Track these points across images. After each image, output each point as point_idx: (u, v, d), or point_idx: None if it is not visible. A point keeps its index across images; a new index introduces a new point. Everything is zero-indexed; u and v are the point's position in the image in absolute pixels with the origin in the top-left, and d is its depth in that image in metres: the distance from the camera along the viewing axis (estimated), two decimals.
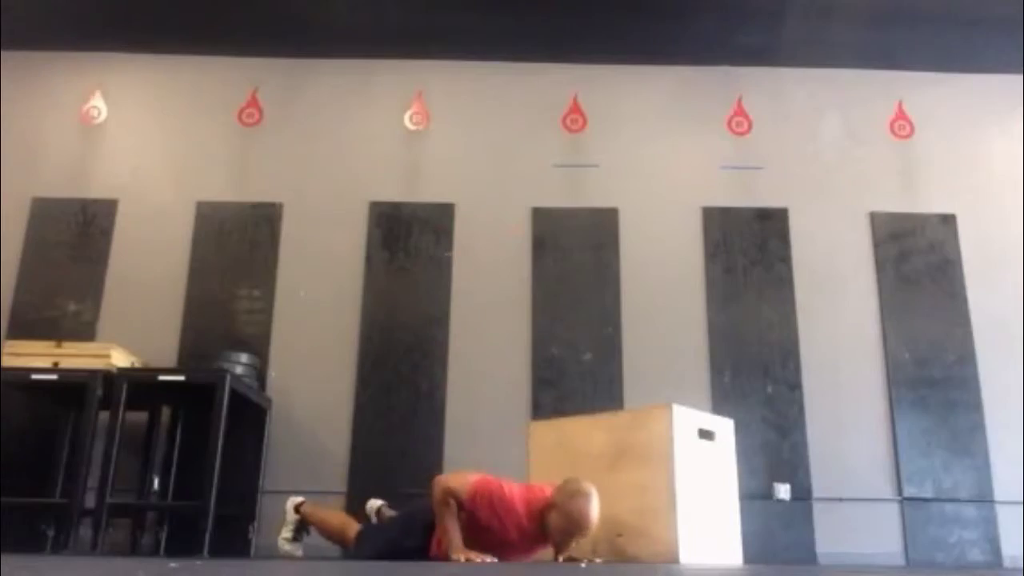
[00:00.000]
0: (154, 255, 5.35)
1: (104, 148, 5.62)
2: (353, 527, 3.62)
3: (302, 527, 3.76)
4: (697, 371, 5.21)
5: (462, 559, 2.98)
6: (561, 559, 3.18)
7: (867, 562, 4.79)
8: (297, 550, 3.74)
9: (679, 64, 5.81)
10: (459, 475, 3.24)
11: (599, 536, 3.47)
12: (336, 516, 3.82)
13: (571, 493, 3.10)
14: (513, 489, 3.19)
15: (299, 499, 3.82)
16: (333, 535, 3.71)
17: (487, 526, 3.12)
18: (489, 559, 3.01)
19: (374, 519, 3.80)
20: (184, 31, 5.55)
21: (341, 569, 2.59)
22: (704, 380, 5.19)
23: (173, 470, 4.88)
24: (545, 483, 3.29)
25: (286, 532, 3.73)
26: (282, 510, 3.85)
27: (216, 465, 4.15)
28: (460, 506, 3.12)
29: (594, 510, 3.08)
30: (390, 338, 5.24)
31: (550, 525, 3.12)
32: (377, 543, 3.42)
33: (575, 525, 3.08)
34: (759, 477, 4.96)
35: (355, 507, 4.91)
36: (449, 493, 3.13)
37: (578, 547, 3.20)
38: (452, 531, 3.08)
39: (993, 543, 4.92)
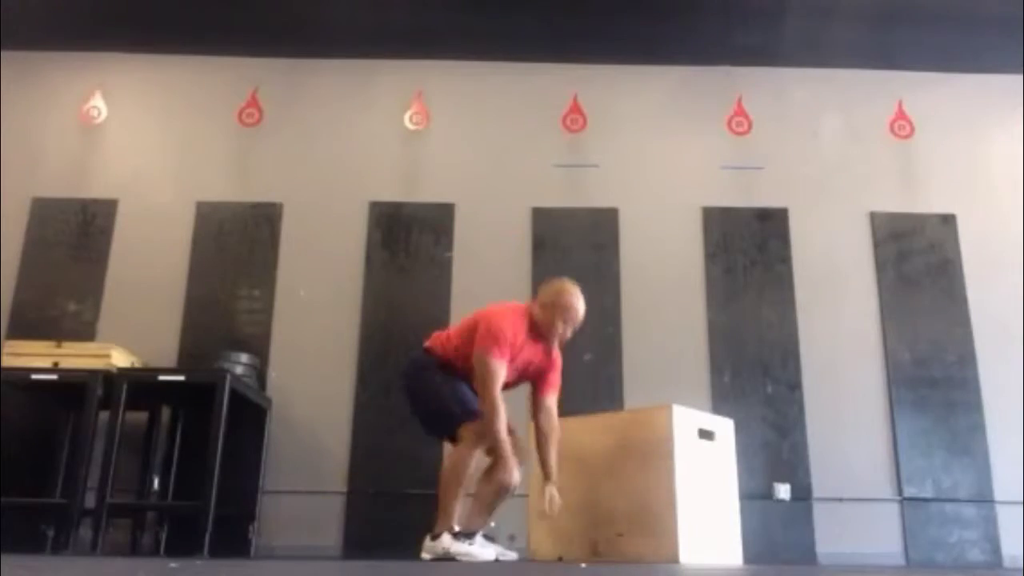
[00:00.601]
0: (154, 255, 5.35)
1: (104, 148, 5.62)
2: (458, 455, 3.27)
3: (471, 534, 3.27)
4: (697, 371, 5.21)
5: (517, 481, 3.19)
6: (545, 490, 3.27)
7: (867, 562, 4.79)
8: (502, 551, 3.35)
9: (679, 64, 5.81)
10: (489, 374, 3.20)
11: (599, 536, 3.48)
12: (450, 487, 3.26)
13: (558, 290, 3.37)
14: (506, 315, 3.31)
15: (441, 530, 3.24)
16: (470, 481, 3.31)
17: (516, 362, 3.29)
18: (515, 469, 3.19)
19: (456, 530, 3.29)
20: (184, 31, 5.55)
21: (341, 569, 2.59)
22: (704, 380, 5.19)
23: (173, 470, 4.88)
24: (505, 302, 3.48)
25: (470, 544, 3.23)
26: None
27: (216, 465, 4.15)
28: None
29: (581, 299, 3.36)
30: (390, 338, 5.24)
31: (543, 322, 3.34)
32: (450, 402, 3.32)
33: (567, 313, 3.33)
34: (759, 477, 4.96)
35: (355, 507, 4.93)
36: (496, 397, 3.18)
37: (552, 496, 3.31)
38: (503, 436, 3.17)
39: (993, 543, 4.92)
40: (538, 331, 3.36)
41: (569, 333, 3.39)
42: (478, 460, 3.29)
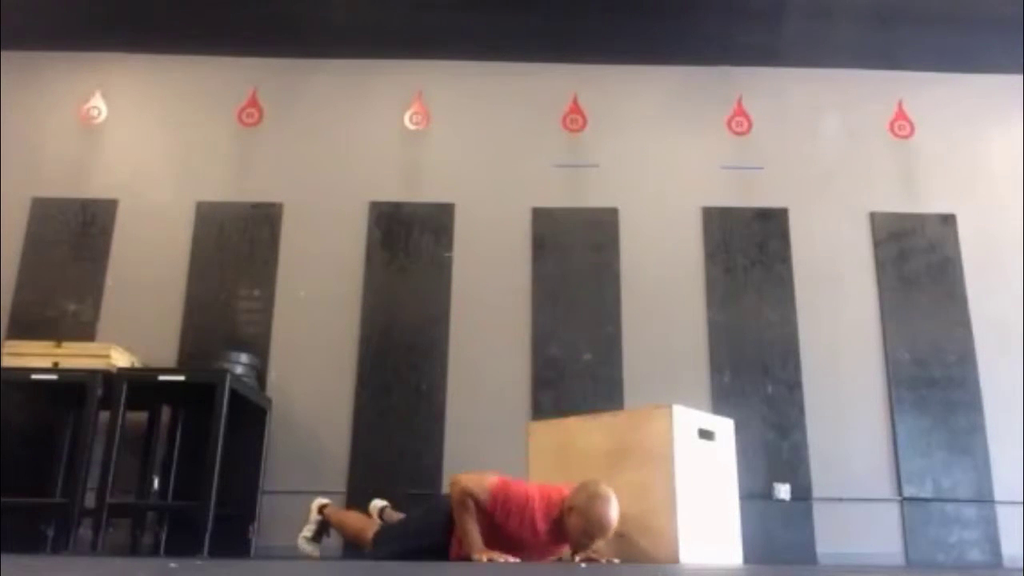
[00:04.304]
0: (154, 255, 5.35)
1: (104, 148, 5.62)
2: (372, 528, 3.63)
3: (323, 528, 3.80)
4: (697, 371, 5.21)
5: (484, 559, 2.98)
6: (579, 559, 3.17)
7: (867, 562, 4.79)
8: (315, 550, 3.76)
9: (679, 64, 5.81)
10: (478, 476, 3.20)
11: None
12: (357, 518, 3.83)
13: (591, 495, 3.11)
14: (531, 490, 3.19)
15: (324, 500, 3.87)
16: (353, 536, 3.75)
17: (506, 527, 3.12)
18: (512, 559, 3.02)
19: (377, 520, 3.79)
20: (184, 31, 5.54)
21: (341, 569, 2.59)
22: (704, 380, 5.19)
23: (173, 470, 4.88)
24: (562, 484, 3.29)
25: (307, 532, 3.78)
26: (305, 509, 3.88)
27: (216, 465, 4.15)
28: (479, 507, 3.12)
29: (615, 513, 3.10)
30: (390, 338, 5.24)
31: (570, 527, 3.12)
32: (394, 544, 3.42)
33: (596, 528, 3.08)
34: (759, 477, 4.96)
35: (355, 507, 4.92)
36: (468, 494, 3.12)
37: (597, 549, 3.21)
38: (472, 532, 3.07)
39: (993, 543, 4.92)
40: (563, 531, 3.16)
41: (590, 544, 3.14)
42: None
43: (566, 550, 3.29)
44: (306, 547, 3.75)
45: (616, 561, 3.28)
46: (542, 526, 3.14)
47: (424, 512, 3.53)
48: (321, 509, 3.81)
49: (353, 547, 3.86)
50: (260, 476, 4.86)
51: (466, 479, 3.19)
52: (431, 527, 3.33)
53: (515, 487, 3.18)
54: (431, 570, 2.46)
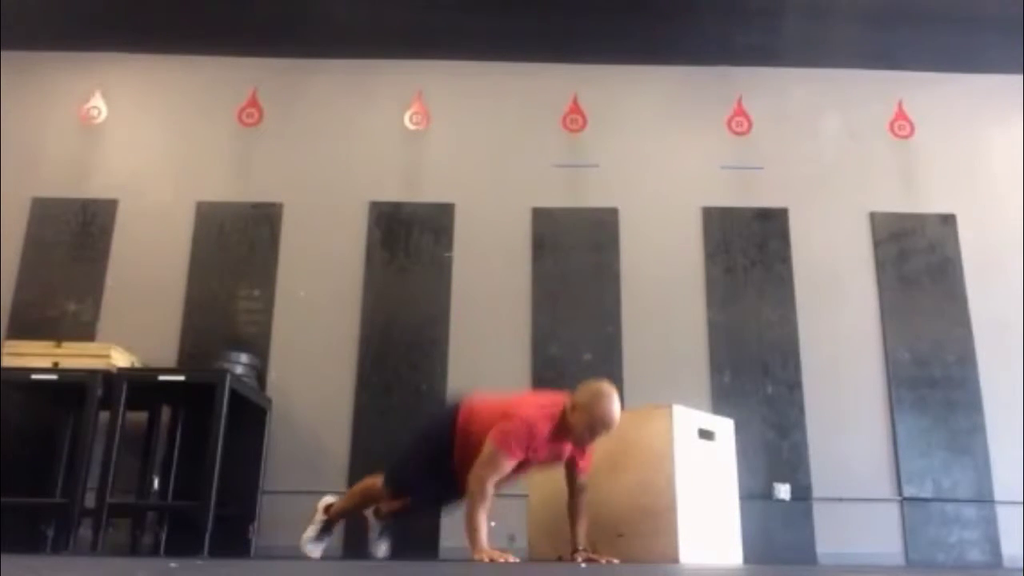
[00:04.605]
0: (154, 255, 5.35)
1: (104, 148, 5.62)
2: (374, 483, 3.57)
3: (327, 527, 3.73)
4: (697, 371, 5.21)
5: (486, 559, 2.99)
6: (581, 560, 3.24)
7: (867, 562, 4.79)
8: (317, 551, 3.71)
9: (679, 64, 5.80)
10: (491, 459, 3.15)
11: (599, 536, 3.48)
12: (352, 493, 3.78)
13: (595, 393, 3.23)
14: (531, 415, 3.21)
15: (331, 499, 3.79)
16: (364, 502, 3.67)
17: (523, 462, 3.22)
18: (512, 559, 3.04)
19: (321, 515, 3.74)
20: (184, 31, 5.54)
21: (341, 569, 2.59)
22: (704, 380, 5.19)
23: (173, 470, 4.87)
24: (548, 392, 3.45)
25: (311, 531, 3.71)
26: (306, 509, 3.84)
27: (216, 465, 4.15)
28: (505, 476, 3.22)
29: (617, 408, 3.22)
30: (390, 338, 5.24)
31: (574, 424, 3.22)
32: (405, 469, 3.48)
33: (599, 423, 3.20)
34: (759, 477, 4.96)
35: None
36: (491, 482, 3.13)
37: (595, 550, 3.30)
38: (481, 528, 3.08)
39: (993, 543, 4.92)
40: (568, 430, 3.25)
41: (596, 438, 3.29)
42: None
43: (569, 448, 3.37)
44: (308, 546, 3.71)
45: (616, 561, 3.28)
46: (549, 436, 3.22)
47: (423, 429, 3.62)
48: (327, 508, 3.74)
49: (378, 517, 3.69)
50: (260, 476, 4.86)
51: (483, 472, 3.14)
52: (433, 436, 3.42)
53: (517, 430, 3.16)
54: (431, 570, 2.46)
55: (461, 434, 3.33)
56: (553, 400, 3.31)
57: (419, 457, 3.47)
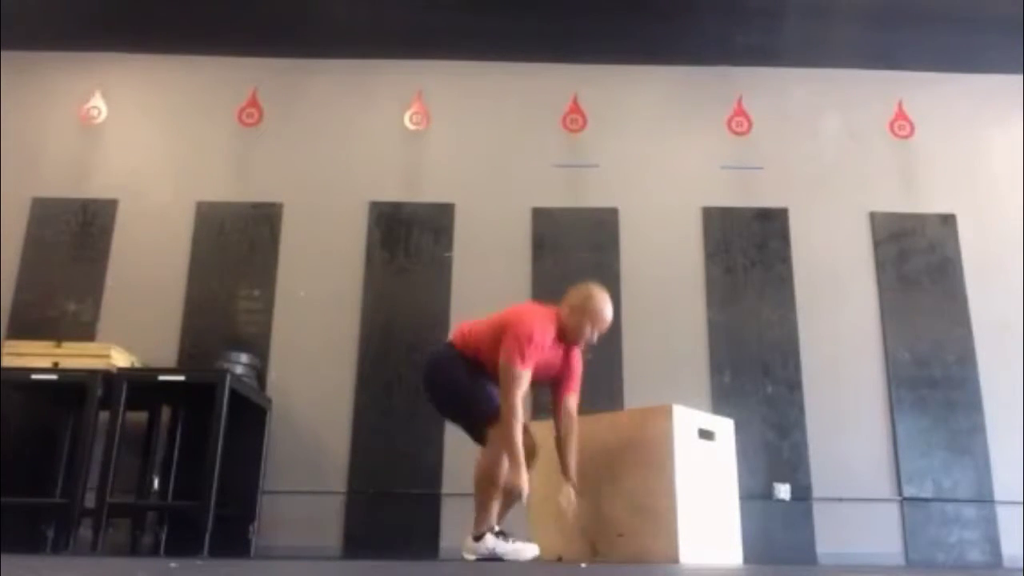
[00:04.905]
0: (154, 255, 5.35)
1: (104, 148, 5.62)
2: (485, 466, 3.28)
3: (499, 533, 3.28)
4: (697, 371, 5.21)
5: (522, 486, 3.10)
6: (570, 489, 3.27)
7: (867, 562, 4.79)
8: (509, 546, 3.26)
9: (679, 64, 5.80)
10: (513, 382, 3.18)
11: (599, 536, 3.48)
12: (483, 497, 3.31)
13: (586, 294, 3.36)
14: (537, 321, 3.27)
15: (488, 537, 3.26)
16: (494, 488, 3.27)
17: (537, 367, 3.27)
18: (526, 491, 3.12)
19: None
20: (184, 31, 5.55)
21: (341, 569, 2.59)
22: (704, 380, 5.19)
23: (173, 470, 4.87)
24: (534, 303, 3.59)
25: (508, 546, 3.24)
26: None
27: (216, 465, 4.15)
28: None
29: (609, 306, 3.36)
30: (390, 338, 5.24)
31: (570, 326, 3.34)
32: (478, 400, 3.30)
33: (597, 320, 3.34)
34: (759, 477, 4.96)
35: (355, 507, 4.93)
36: (517, 403, 3.17)
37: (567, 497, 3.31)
38: (520, 452, 3.14)
39: (993, 543, 4.92)
40: (563, 335, 3.36)
41: (596, 338, 3.39)
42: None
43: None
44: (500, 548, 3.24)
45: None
46: (552, 339, 3.32)
47: (444, 379, 3.41)
48: (478, 536, 3.25)
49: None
50: (260, 476, 4.86)
51: (508, 395, 3.17)
52: (457, 371, 3.34)
53: (522, 339, 3.20)
54: (431, 570, 2.46)
55: (470, 358, 3.35)
56: (543, 308, 3.40)
57: (468, 388, 3.33)
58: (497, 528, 3.25)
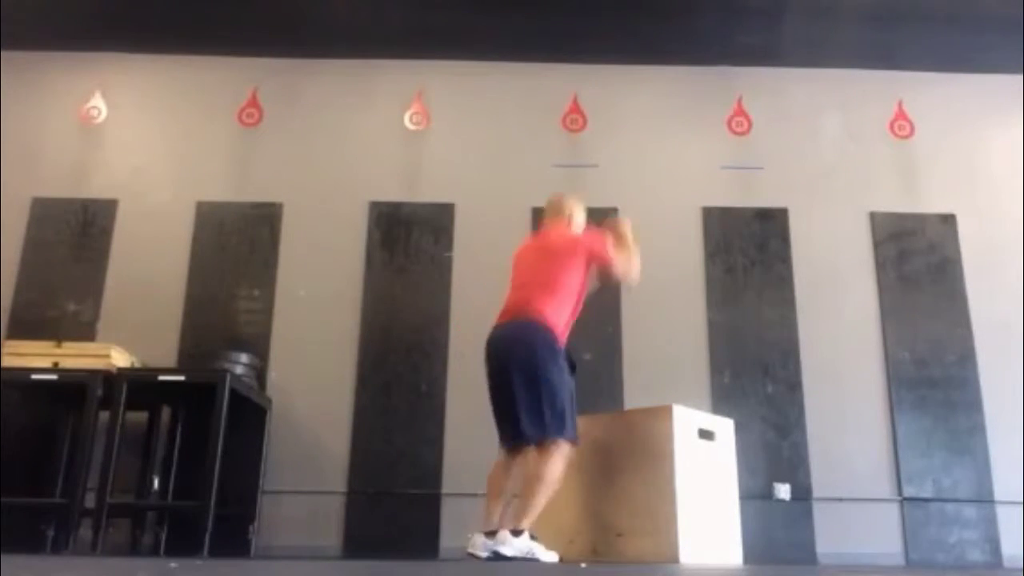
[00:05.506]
0: (154, 255, 5.35)
1: (104, 148, 5.62)
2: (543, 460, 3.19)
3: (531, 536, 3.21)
4: (697, 371, 5.21)
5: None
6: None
7: (867, 562, 4.79)
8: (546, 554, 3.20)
9: (679, 64, 5.80)
10: (608, 247, 3.49)
11: (599, 536, 3.48)
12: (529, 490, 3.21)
13: (564, 198, 3.81)
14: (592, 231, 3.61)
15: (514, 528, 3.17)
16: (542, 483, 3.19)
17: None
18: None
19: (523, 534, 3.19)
20: (184, 31, 5.55)
21: (341, 569, 2.59)
22: (704, 380, 5.19)
23: (173, 470, 4.87)
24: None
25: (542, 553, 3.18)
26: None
27: (216, 465, 4.15)
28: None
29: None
30: (390, 338, 5.24)
31: (579, 224, 3.75)
32: (565, 413, 3.24)
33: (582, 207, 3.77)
34: (759, 477, 4.96)
35: (355, 507, 4.93)
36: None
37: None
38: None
39: (993, 543, 4.92)
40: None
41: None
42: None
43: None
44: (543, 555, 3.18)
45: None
46: None
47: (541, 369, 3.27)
48: (515, 531, 3.17)
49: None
50: (260, 476, 4.86)
51: (615, 257, 3.45)
52: (553, 366, 3.27)
53: (592, 235, 3.56)
54: (431, 570, 2.47)
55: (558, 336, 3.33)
56: (557, 228, 3.64)
57: (562, 396, 3.23)
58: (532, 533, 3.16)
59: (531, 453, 3.25)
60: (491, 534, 3.14)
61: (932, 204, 5.59)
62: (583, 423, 3.55)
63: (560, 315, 3.35)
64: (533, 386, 3.21)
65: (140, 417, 4.78)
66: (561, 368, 3.28)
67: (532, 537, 3.15)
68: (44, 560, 3.05)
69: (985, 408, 5.15)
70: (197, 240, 5.41)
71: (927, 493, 5.01)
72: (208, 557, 3.88)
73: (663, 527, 3.33)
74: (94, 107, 5.66)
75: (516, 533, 3.12)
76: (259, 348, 5.14)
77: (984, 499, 5.00)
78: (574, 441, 3.24)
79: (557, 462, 3.17)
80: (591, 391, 5.10)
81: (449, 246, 5.44)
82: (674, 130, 5.76)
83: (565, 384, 3.27)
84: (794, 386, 5.19)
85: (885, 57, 5.72)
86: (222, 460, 4.17)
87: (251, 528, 4.72)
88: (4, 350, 4.40)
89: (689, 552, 3.30)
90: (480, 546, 3.12)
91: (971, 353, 5.26)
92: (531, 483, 3.18)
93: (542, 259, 3.45)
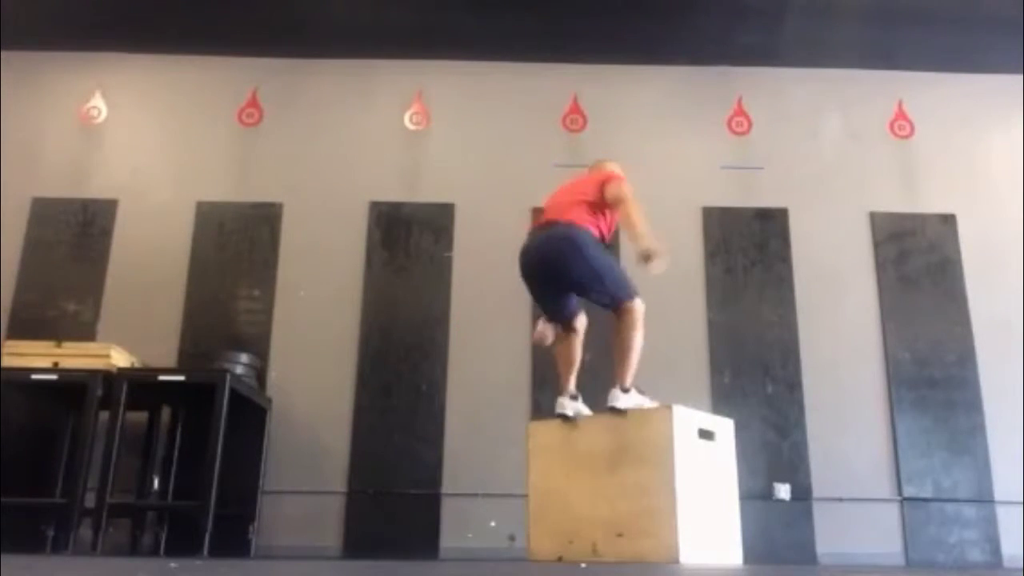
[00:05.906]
0: (154, 255, 5.35)
1: (104, 148, 5.62)
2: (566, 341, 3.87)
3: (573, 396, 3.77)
4: (697, 371, 5.21)
5: (654, 248, 3.51)
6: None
7: (867, 562, 4.79)
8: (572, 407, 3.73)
9: (679, 64, 5.81)
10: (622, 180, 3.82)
11: (599, 536, 3.48)
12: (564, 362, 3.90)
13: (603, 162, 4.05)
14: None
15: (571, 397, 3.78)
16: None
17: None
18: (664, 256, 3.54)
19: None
20: (184, 31, 5.55)
21: (341, 569, 2.59)
22: (704, 380, 5.19)
23: (173, 470, 4.88)
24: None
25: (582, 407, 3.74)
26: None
27: (216, 465, 4.15)
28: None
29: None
30: (390, 338, 5.24)
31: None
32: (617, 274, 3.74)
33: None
34: (759, 477, 4.96)
35: (355, 507, 4.93)
36: (628, 189, 3.73)
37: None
38: (645, 224, 3.61)
39: (993, 543, 4.92)
40: None
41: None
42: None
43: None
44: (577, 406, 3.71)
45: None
46: None
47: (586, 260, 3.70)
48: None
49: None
50: (260, 476, 4.86)
51: (621, 186, 3.76)
52: (595, 251, 3.69)
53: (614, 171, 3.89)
54: (431, 570, 2.47)
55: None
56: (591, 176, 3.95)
57: (615, 269, 3.79)
58: (574, 391, 3.75)
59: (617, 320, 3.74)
60: (574, 397, 3.74)
61: (932, 204, 5.59)
62: (583, 423, 3.54)
63: (590, 221, 3.72)
64: (588, 270, 3.68)
65: (140, 417, 4.78)
66: (599, 246, 3.72)
67: (639, 391, 3.64)
68: (44, 560, 3.05)
69: (985, 408, 5.15)
70: (197, 240, 5.41)
71: (927, 493, 5.01)
72: (208, 557, 3.88)
73: (663, 527, 3.32)
74: (94, 107, 5.66)
75: (624, 391, 3.60)
76: (259, 348, 5.14)
77: (984, 499, 5.00)
78: (637, 295, 3.73)
79: (636, 320, 3.71)
80: (591, 391, 5.10)
81: (449, 246, 5.44)
82: (674, 130, 5.76)
83: (607, 257, 3.80)
84: (794, 386, 5.19)
85: (885, 57, 5.72)
86: (222, 460, 4.17)
87: (251, 528, 4.72)
88: (4, 350, 4.40)
89: (689, 552, 3.29)
90: (568, 406, 3.67)
91: (971, 353, 5.26)
92: (623, 348, 3.69)
93: (570, 188, 3.85)
